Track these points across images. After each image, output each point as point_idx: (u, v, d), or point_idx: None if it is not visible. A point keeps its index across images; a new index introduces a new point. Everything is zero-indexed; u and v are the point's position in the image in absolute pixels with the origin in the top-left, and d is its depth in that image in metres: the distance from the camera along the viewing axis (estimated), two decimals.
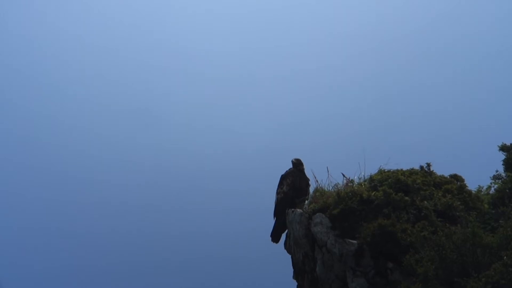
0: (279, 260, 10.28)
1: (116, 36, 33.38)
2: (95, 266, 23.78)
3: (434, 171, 9.32)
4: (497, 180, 8.90)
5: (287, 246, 9.71)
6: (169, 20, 34.62)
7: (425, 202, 8.37)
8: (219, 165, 28.15)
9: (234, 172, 27.57)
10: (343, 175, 9.30)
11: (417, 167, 9.36)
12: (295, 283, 9.29)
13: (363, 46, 32.19)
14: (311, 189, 9.68)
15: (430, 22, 31.44)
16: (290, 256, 9.55)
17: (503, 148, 9.10)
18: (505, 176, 8.76)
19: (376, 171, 9.34)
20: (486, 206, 8.56)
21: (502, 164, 9.03)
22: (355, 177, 9.24)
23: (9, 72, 30.83)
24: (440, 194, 8.56)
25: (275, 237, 10.09)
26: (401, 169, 9.20)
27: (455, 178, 9.26)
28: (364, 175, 9.25)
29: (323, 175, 9.47)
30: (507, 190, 8.32)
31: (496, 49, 30.28)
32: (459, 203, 8.41)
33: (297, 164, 10.05)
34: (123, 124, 30.23)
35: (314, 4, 33.81)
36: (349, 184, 9.12)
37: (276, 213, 9.94)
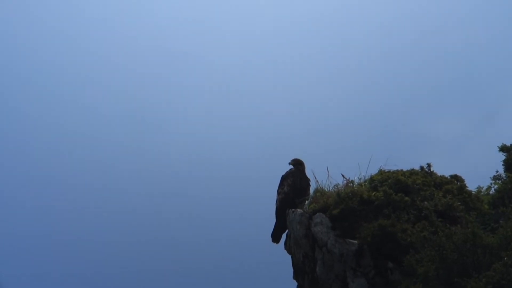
0: (279, 261, 10.29)
1: (115, 39, 33.37)
2: (95, 268, 23.80)
3: (434, 172, 9.34)
4: (497, 181, 8.93)
5: (287, 247, 9.71)
6: (169, 24, 34.59)
7: (426, 202, 8.38)
8: (219, 166, 28.18)
9: (233, 172, 27.59)
10: (343, 176, 9.32)
11: (417, 168, 9.38)
12: (295, 283, 9.28)
13: (362, 53, 32.22)
14: (312, 190, 9.70)
15: (431, 28, 31.46)
16: (290, 256, 9.55)
17: (503, 148, 9.13)
18: (505, 177, 8.78)
19: (376, 171, 9.36)
20: (486, 206, 8.58)
21: (502, 165, 9.05)
22: (355, 177, 9.27)
23: (5, 74, 30.81)
24: (440, 195, 8.58)
25: (275, 238, 10.07)
26: (402, 170, 9.20)
27: (455, 178, 9.28)
28: (364, 176, 9.28)
29: (323, 175, 9.50)
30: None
31: (496, 50, 30.35)
32: (459, 203, 8.42)
33: (298, 164, 10.05)
34: (122, 128, 30.17)
35: (315, 10, 33.79)
36: (349, 184, 9.13)
37: (277, 214, 9.94)
